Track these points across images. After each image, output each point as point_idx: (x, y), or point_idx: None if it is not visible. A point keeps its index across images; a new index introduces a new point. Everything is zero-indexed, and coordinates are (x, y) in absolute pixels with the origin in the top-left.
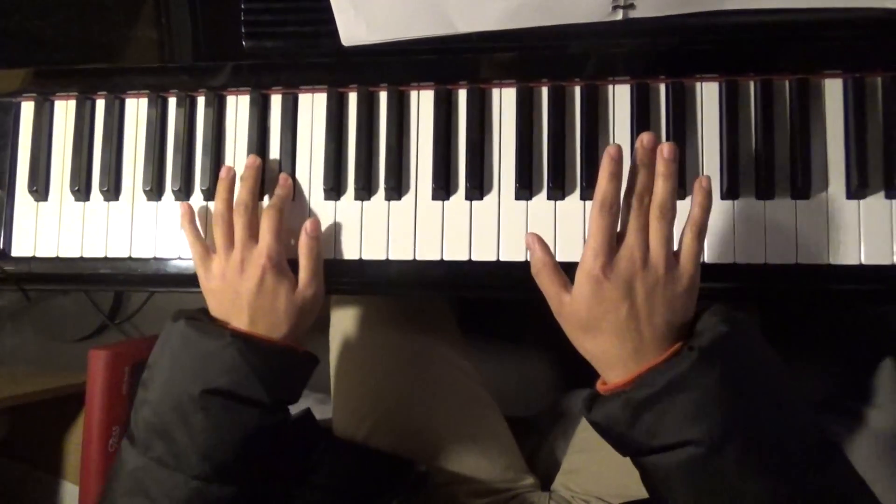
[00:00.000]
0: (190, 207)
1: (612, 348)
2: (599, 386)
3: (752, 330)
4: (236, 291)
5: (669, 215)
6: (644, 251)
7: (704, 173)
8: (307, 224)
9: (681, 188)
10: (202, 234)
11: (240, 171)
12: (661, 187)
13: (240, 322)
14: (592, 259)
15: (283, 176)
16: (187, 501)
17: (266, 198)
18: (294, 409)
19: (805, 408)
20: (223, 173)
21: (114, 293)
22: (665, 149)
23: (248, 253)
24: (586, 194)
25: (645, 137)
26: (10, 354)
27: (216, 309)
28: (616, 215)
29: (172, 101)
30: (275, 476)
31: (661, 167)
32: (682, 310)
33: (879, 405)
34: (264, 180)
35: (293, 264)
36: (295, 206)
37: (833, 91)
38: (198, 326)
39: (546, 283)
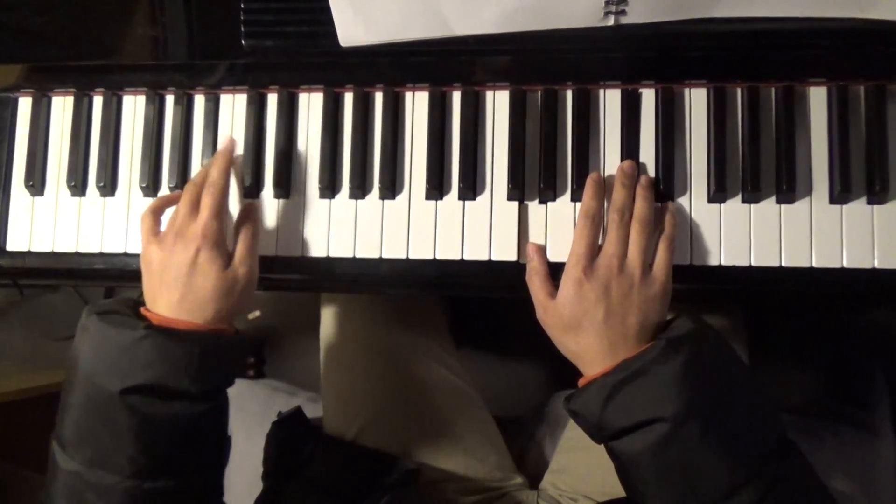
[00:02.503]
0: (163, 199)
1: (591, 345)
2: (580, 382)
3: (719, 336)
4: (166, 267)
5: (648, 229)
6: (621, 258)
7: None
8: (245, 206)
9: (669, 191)
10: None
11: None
12: (641, 206)
13: (167, 301)
14: (575, 263)
15: (228, 139)
16: (125, 501)
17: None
18: (286, 408)
19: (767, 405)
20: (198, 179)
21: (104, 291)
22: (643, 178)
23: (184, 227)
24: (577, 196)
25: (626, 165)
26: None
27: (147, 288)
28: (598, 225)
29: (170, 99)
30: (218, 462)
31: (641, 191)
32: (655, 313)
33: (867, 408)
34: (259, 181)
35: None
36: (290, 204)
37: (817, 99)
38: (111, 320)
39: (536, 288)
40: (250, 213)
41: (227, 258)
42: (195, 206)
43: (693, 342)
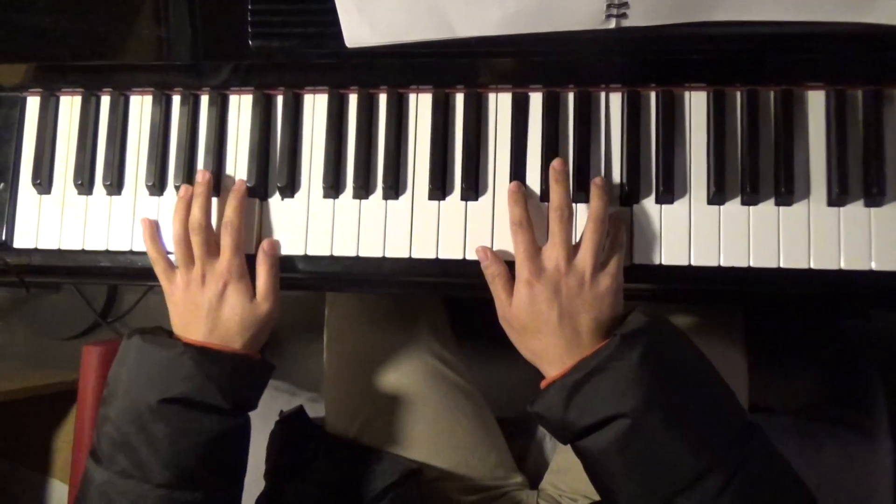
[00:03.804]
0: (151, 223)
1: (550, 346)
2: (541, 384)
3: (673, 326)
4: (196, 303)
5: (601, 227)
6: (568, 257)
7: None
8: (265, 244)
9: (669, 193)
10: (164, 248)
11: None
12: (594, 205)
13: (197, 333)
14: (520, 267)
15: (238, 181)
16: None
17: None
18: (287, 408)
19: (725, 391)
20: (182, 192)
21: (107, 292)
22: (597, 179)
23: (209, 268)
24: (578, 197)
25: (556, 163)
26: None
27: (177, 322)
28: (530, 228)
29: (176, 99)
30: (240, 478)
31: (596, 191)
32: (609, 308)
33: (864, 411)
34: (268, 178)
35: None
36: (294, 204)
37: (816, 102)
38: (153, 340)
39: (499, 290)
40: (270, 249)
41: (251, 291)
42: (209, 246)
43: (647, 335)
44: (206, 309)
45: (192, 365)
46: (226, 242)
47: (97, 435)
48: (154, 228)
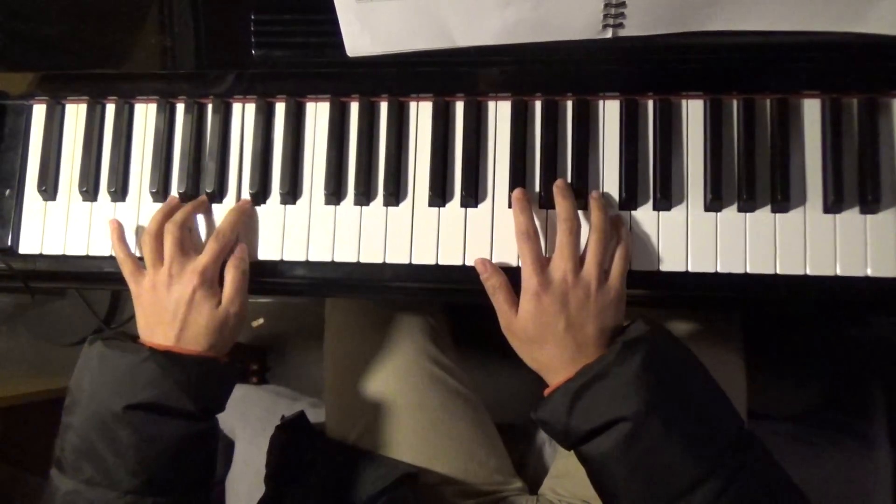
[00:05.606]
0: (119, 225)
1: (555, 356)
2: (545, 392)
3: (672, 335)
4: (163, 305)
5: (604, 238)
6: (575, 269)
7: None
8: (237, 249)
9: (666, 200)
10: (132, 250)
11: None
12: (595, 216)
13: (164, 335)
14: (529, 277)
15: (244, 200)
16: None
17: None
18: (288, 413)
19: (723, 400)
20: (169, 200)
21: (110, 298)
22: (595, 192)
23: (177, 268)
24: (578, 205)
25: (559, 182)
26: (3, 356)
27: (143, 325)
28: (537, 238)
29: (180, 107)
30: (209, 482)
31: (595, 203)
32: (612, 318)
33: (863, 418)
34: (267, 187)
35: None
36: (296, 210)
37: (811, 111)
38: (115, 345)
39: (501, 302)
40: (241, 253)
41: (220, 296)
42: (182, 247)
43: (648, 342)
44: (173, 311)
45: (156, 369)
46: (211, 247)
47: (60, 444)
48: (122, 230)
